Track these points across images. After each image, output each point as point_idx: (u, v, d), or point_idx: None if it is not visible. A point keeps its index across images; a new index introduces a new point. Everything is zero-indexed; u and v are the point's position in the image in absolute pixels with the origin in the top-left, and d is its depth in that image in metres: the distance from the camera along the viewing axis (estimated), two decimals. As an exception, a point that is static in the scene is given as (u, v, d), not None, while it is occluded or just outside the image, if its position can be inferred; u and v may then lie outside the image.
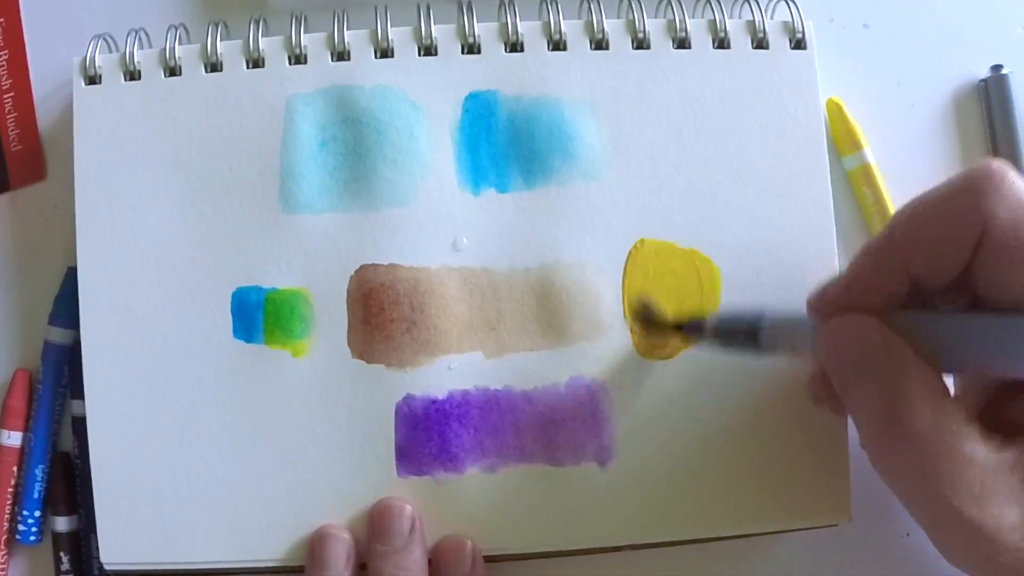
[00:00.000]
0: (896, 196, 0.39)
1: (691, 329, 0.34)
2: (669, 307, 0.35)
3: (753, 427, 0.36)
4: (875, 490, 0.38)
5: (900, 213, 0.29)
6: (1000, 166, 0.27)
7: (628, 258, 0.36)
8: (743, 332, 0.32)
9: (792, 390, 0.36)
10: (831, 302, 0.31)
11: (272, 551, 0.36)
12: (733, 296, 0.36)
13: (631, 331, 0.36)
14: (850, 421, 0.34)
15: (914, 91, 0.40)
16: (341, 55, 0.37)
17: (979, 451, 0.27)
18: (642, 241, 0.36)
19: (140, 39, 0.38)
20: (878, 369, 0.28)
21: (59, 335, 0.38)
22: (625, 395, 0.36)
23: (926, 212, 0.29)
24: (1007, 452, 0.27)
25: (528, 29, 0.37)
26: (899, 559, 0.38)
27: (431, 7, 0.37)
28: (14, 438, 0.38)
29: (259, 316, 0.36)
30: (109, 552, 0.35)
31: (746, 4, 0.38)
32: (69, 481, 0.38)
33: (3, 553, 0.38)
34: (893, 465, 0.29)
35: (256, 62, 0.37)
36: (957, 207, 0.28)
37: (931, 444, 0.27)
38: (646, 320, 0.35)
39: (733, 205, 0.37)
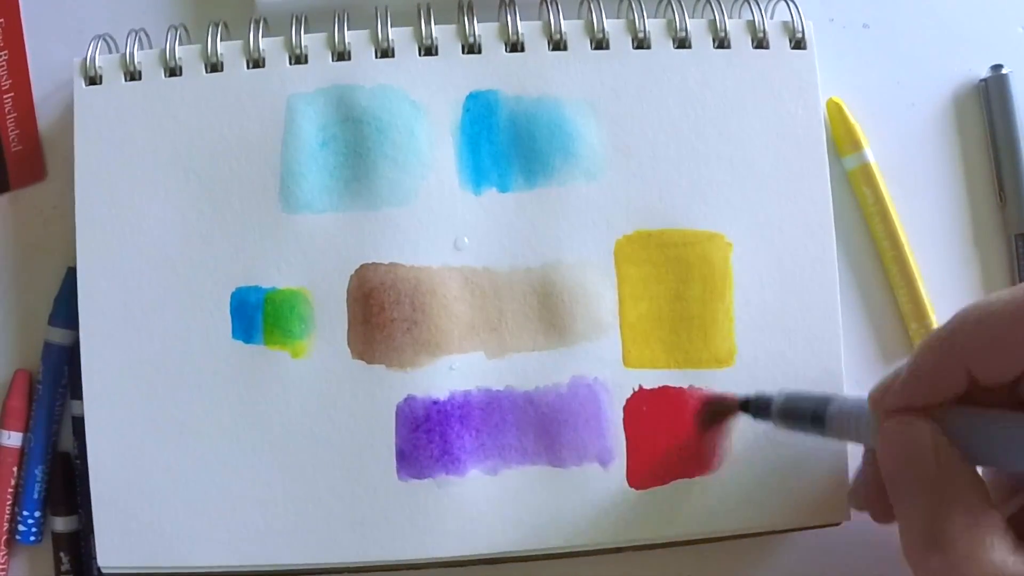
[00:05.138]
0: (896, 196, 0.39)
1: (757, 409, 0.34)
2: (671, 294, 0.36)
3: (753, 427, 0.36)
4: (876, 490, 0.38)
5: (965, 314, 0.29)
6: None
7: (614, 260, 0.36)
8: (808, 417, 0.33)
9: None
10: (891, 399, 0.31)
11: (270, 554, 0.35)
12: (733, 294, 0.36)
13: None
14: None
15: (914, 91, 0.40)
16: (341, 55, 0.37)
17: (1008, 561, 0.27)
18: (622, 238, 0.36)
19: (140, 39, 0.38)
20: (926, 481, 0.29)
21: (59, 335, 0.38)
22: (627, 395, 0.36)
23: (992, 317, 0.29)
24: None
25: (528, 29, 0.37)
26: (899, 559, 0.38)
27: (431, 7, 0.37)
28: (14, 438, 0.38)
29: (258, 316, 0.36)
30: (106, 555, 0.35)
31: (746, 4, 0.38)
32: (69, 481, 0.38)
33: (3, 553, 0.38)
34: None
35: (256, 62, 0.37)
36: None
37: (963, 566, 0.28)
38: (712, 414, 0.36)
39: (733, 204, 0.37)
